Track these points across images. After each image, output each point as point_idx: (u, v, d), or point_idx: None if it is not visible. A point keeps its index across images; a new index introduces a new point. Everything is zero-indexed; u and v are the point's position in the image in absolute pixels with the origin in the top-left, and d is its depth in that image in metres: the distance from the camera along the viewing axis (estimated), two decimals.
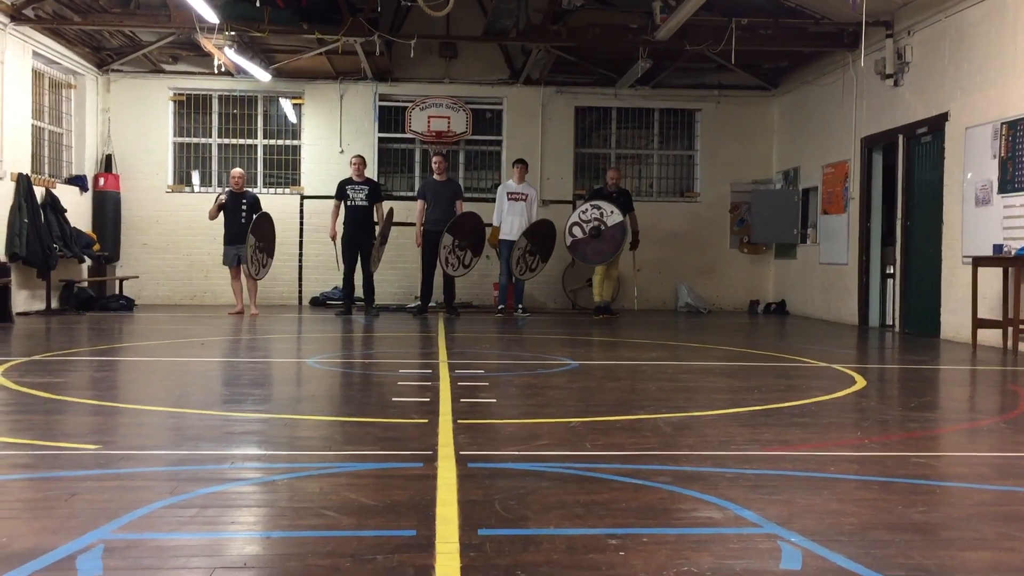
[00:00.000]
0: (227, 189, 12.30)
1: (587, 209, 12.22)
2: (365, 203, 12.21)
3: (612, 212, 12.06)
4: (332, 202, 12.48)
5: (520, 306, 12.66)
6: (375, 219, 12.34)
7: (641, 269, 13.80)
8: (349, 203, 12.22)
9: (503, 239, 12.48)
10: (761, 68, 14.34)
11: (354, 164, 12.40)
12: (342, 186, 12.35)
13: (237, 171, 12.30)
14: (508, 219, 12.46)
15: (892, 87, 11.14)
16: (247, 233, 11.74)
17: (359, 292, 12.45)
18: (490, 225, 12.63)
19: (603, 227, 12.04)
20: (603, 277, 12.45)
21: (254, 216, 11.91)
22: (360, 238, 12.14)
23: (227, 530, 2.82)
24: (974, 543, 2.78)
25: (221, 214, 12.05)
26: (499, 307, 12.69)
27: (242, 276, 12.05)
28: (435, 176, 12.47)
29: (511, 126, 14.79)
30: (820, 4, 11.55)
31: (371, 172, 14.17)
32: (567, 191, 14.78)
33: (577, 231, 12.22)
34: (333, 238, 12.22)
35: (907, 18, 10.76)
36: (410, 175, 14.92)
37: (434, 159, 12.64)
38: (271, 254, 12.40)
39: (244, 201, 12.05)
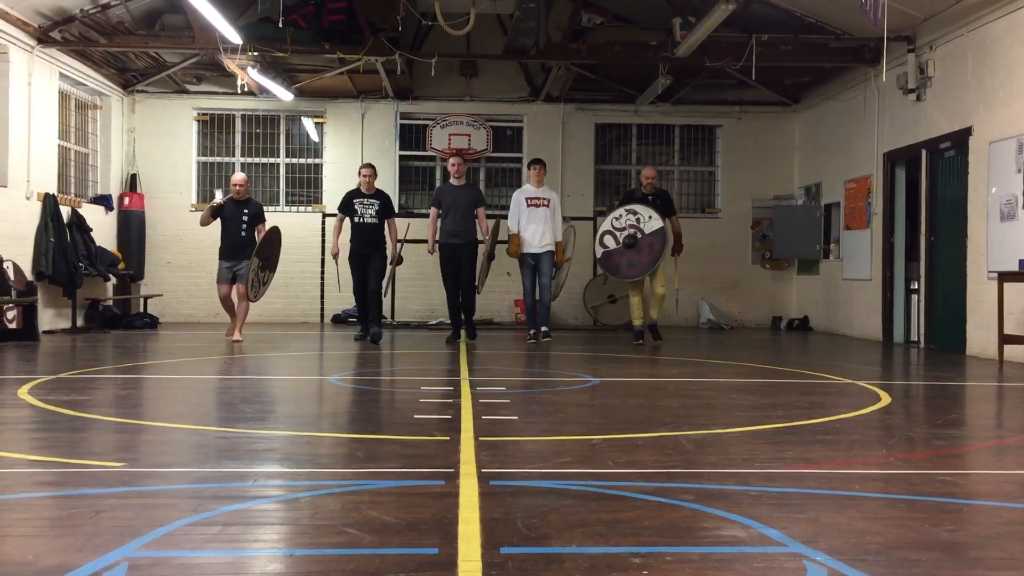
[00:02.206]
0: (227, 196, 10.76)
1: (621, 215, 10.62)
2: (375, 219, 10.55)
3: (650, 217, 10.46)
4: (335, 216, 10.93)
5: (543, 328, 10.77)
6: (387, 236, 10.73)
7: (680, 288, 12.43)
8: (357, 219, 10.57)
9: (525, 252, 10.69)
10: (782, 84, 14.32)
11: (364, 175, 10.68)
12: (348, 199, 10.70)
13: (239, 176, 10.79)
14: (530, 228, 10.66)
15: (915, 102, 11.08)
16: (248, 248, 10.47)
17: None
18: (503, 241, 11.36)
19: (639, 235, 10.47)
20: (640, 295, 10.86)
21: (256, 227, 10.58)
22: (368, 256, 10.52)
23: (250, 548, 2.83)
24: (1002, 562, 2.74)
25: (217, 222, 10.62)
26: (531, 332, 10.82)
27: (234, 295, 10.54)
28: (452, 180, 10.78)
29: (531, 143, 14.84)
30: (841, 20, 11.53)
31: (392, 190, 14.02)
32: (588, 208, 14.78)
33: (609, 240, 10.63)
34: (335, 256, 10.77)
35: (929, 33, 10.72)
36: (431, 193, 14.94)
37: (450, 160, 10.99)
38: (273, 269, 11.02)
39: (246, 211, 10.58)
